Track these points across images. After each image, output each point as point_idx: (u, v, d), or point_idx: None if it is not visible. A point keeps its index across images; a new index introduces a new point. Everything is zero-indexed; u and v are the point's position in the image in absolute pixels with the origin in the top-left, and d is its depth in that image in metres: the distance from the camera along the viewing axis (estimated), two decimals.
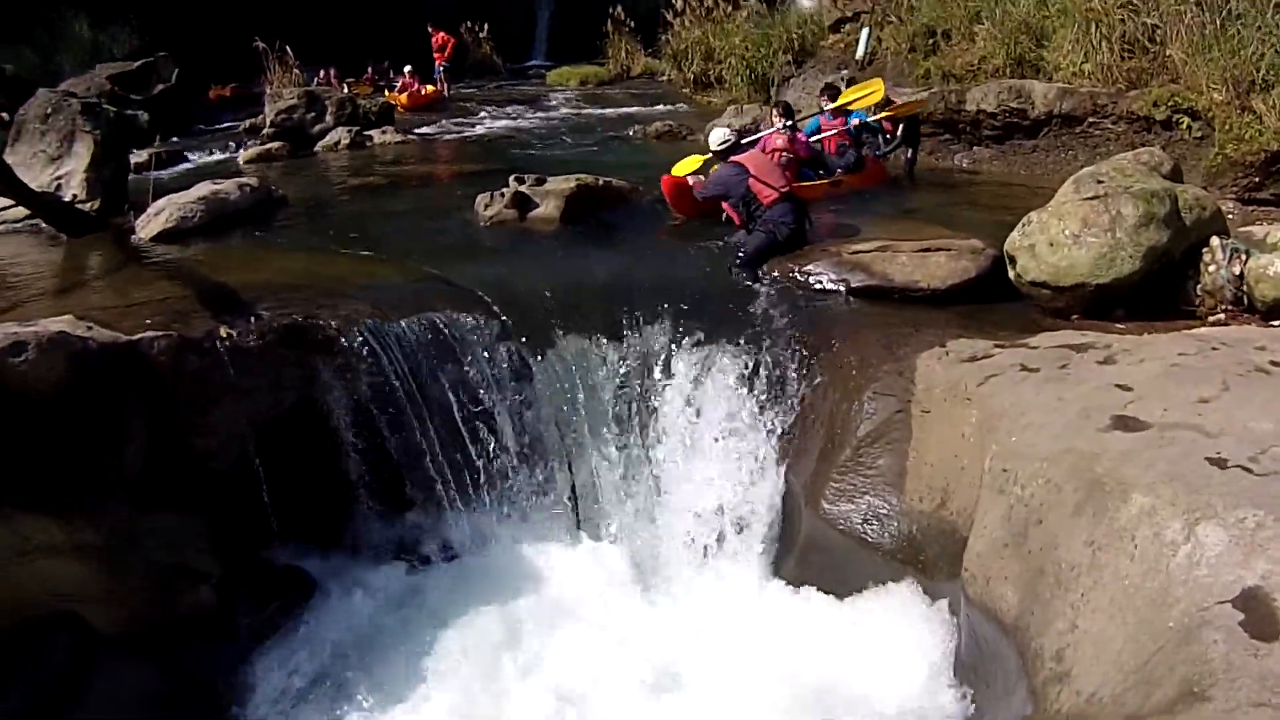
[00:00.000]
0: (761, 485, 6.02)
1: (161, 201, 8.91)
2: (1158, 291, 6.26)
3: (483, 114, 19.16)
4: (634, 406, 6.39)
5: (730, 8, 18.98)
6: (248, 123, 17.42)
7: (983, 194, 9.89)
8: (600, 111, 19.02)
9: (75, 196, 9.25)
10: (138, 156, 11.78)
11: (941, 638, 4.89)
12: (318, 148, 14.64)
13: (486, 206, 8.82)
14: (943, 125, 11.44)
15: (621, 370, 6.43)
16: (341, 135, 14.70)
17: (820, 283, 6.90)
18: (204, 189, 9.13)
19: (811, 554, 5.70)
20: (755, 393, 6.15)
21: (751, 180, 7.61)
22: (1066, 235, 6.17)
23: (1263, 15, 8.54)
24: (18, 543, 4.67)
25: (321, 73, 22.39)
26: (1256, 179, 8.39)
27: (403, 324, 6.20)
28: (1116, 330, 5.78)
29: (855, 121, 10.18)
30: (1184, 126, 9.01)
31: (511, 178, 9.00)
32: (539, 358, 6.40)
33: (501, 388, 6.27)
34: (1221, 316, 6.15)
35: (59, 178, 9.39)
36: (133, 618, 5.11)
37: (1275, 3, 8.52)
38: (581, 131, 16.31)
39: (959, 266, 6.71)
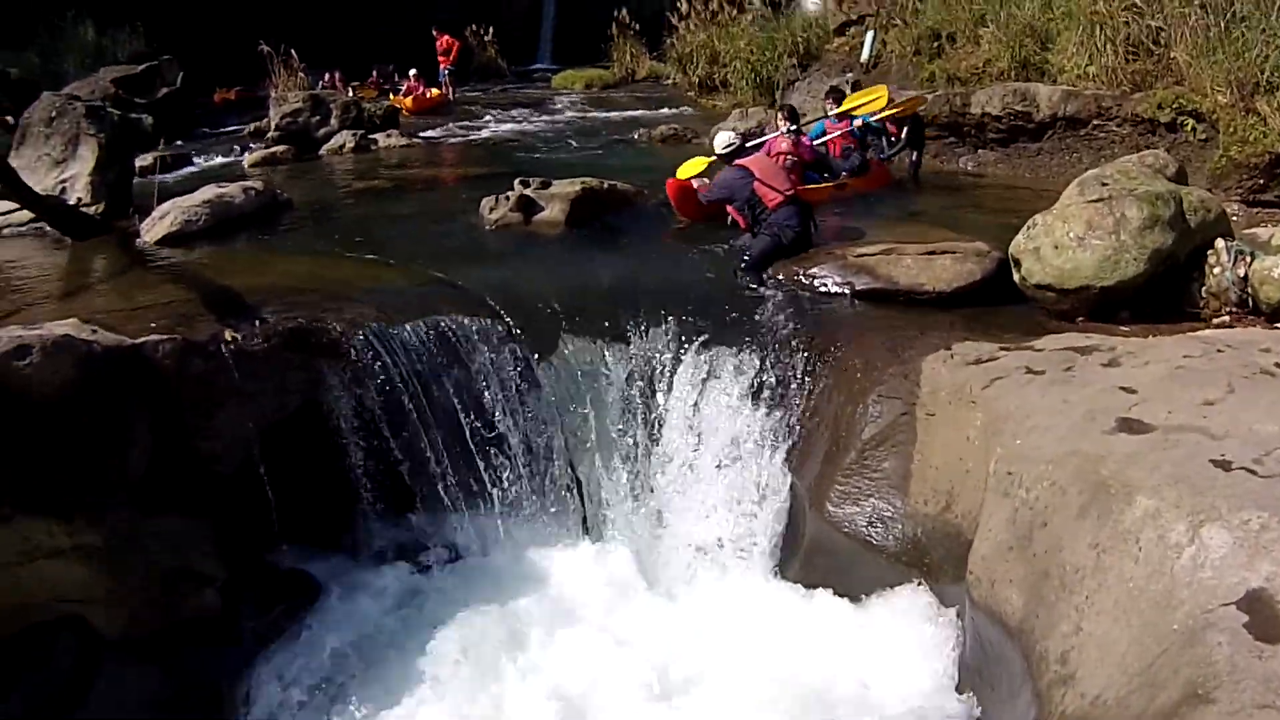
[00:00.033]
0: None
1: (166, 205, 8.91)
2: (1162, 294, 6.24)
3: (487, 117, 19.15)
4: (637, 411, 6.38)
5: (735, 11, 19.00)
6: (252, 126, 17.49)
7: (987, 197, 9.90)
8: (605, 115, 19.03)
9: (80, 200, 9.26)
10: (142, 160, 11.76)
11: (946, 641, 4.87)
12: (322, 151, 14.63)
13: (491, 210, 8.83)
14: (947, 128, 11.45)
15: (625, 373, 6.42)
16: (346, 139, 14.70)
17: (825, 285, 6.90)
18: (209, 192, 9.13)
19: (816, 556, 5.69)
20: (761, 399, 6.14)
21: (756, 184, 7.60)
22: (1071, 238, 6.16)
23: (1267, 18, 8.54)
24: (22, 545, 4.67)
25: (326, 76, 22.39)
26: (1261, 181, 8.39)
27: (408, 328, 6.20)
28: (1121, 333, 5.77)
29: (859, 123, 10.18)
30: (1189, 129, 9.01)
31: (516, 181, 9.00)
32: (544, 361, 6.40)
33: (506, 391, 6.27)
34: (1226, 319, 6.13)
35: (63, 181, 9.39)
36: (136, 620, 5.10)
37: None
38: (586, 135, 16.32)
39: (964, 269, 6.70)
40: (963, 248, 6.88)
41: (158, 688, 5.10)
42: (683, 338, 6.41)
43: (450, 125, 18.07)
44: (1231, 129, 8.46)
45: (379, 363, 5.95)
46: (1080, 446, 4.18)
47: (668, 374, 6.36)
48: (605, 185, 9.07)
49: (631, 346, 6.46)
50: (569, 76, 25.51)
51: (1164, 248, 6.09)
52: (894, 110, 10.30)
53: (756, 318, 6.57)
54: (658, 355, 6.41)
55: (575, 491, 6.39)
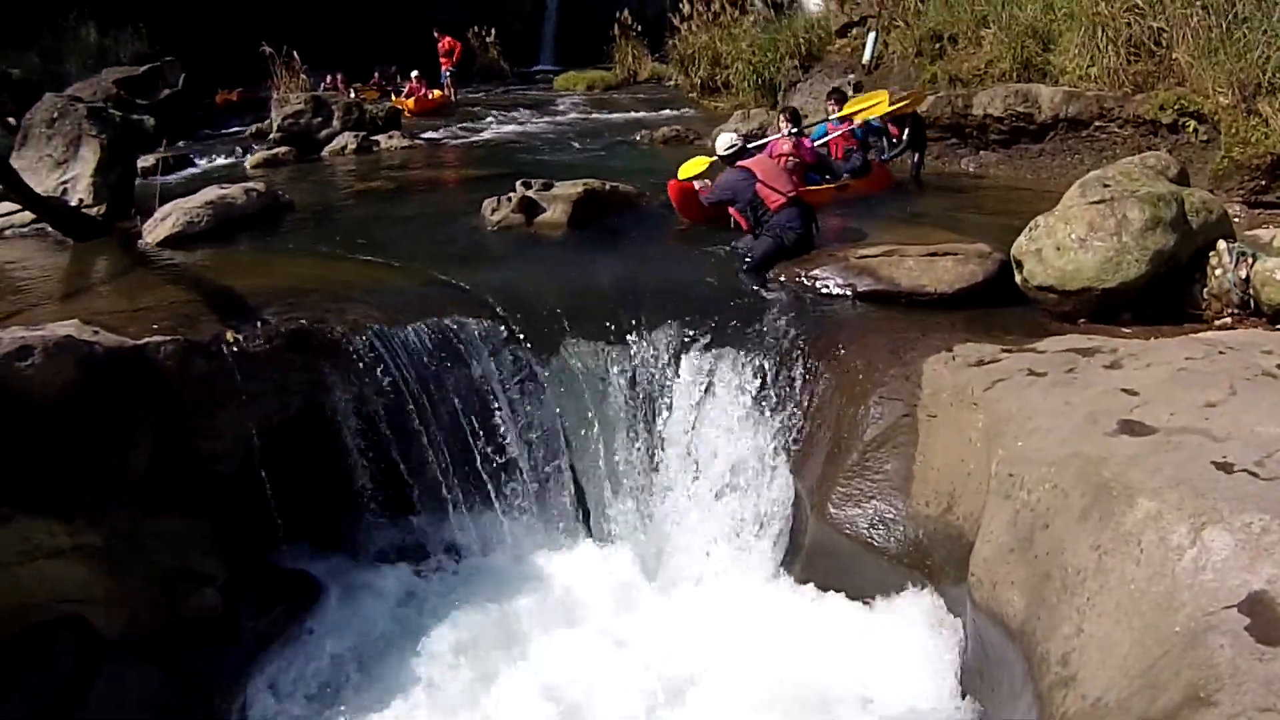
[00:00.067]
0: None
1: (168, 206, 8.93)
2: (1164, 295, 6.23)
3: (489, 119, 19.18)
4: (637, 410, 6.39)
5: (737, 12, 19.02)
6: (254, 127, 17.52)
7: (989, 198, 9.90)
8: (607, 116, 19.04)
9: (81, 201, 9.27)
10: (144, 161, 11.77)
11: (948, 642, 4.87)
12: (324, 152, 14.67)
13: (493, 211, 8.83)
14: (949, 129, 11.45)
15: (628, 371, 6.42)
16: (348, 140, 14.74)
17: (827, 287, 6.90)
18: (210, 194, 9.14)
19: (818, 558, 5.68)
20: (760, 397, 6.14)
21: (758, 185, 7.60)
22: (1073, 239, 6.15)
23: (1269, 19, 8.53)
24: (22, 545, 4.66)
25: (328, 78, 22.45)
26: (1263, 182, 8.39)
27: (409, 329, 6.21)
28: (1123, 334, 5.77)
29: (859, 122, 10.18)
30: (1190, 130, 9.01)
31: (518, 182, 9.00)
32: (545, 362, 6.41)
33: (507, 392, 6.27)
34: (1228, 320, 6.12)
35: (65, 182, 9.41)
36: (137, 621, 5.10)
37: None
38: (588, 136, 16.33)
39: (965, 271, 6.70)
40: (964, 249, 6.88)
41: (158, 687, 5.09)
42: (685, 338, 6.42)
43: (452, 127, 18.10)
44: (1233, 130, 8.45)
45: (380, 364, 5.96)
46: (1082, 448, 4.17)
47: (669, 375, 6.36)
48: (607, 187, 9.07)
49: (633, 348, 6.46)
50: (571, 78, 25.55)
51: (1166, 249, 6.08)
52: (896, 106, 10.29)
53: (758, 319, 6.56)
54: (659, 356, 6.41)
55: (575, 492, 6.39)
